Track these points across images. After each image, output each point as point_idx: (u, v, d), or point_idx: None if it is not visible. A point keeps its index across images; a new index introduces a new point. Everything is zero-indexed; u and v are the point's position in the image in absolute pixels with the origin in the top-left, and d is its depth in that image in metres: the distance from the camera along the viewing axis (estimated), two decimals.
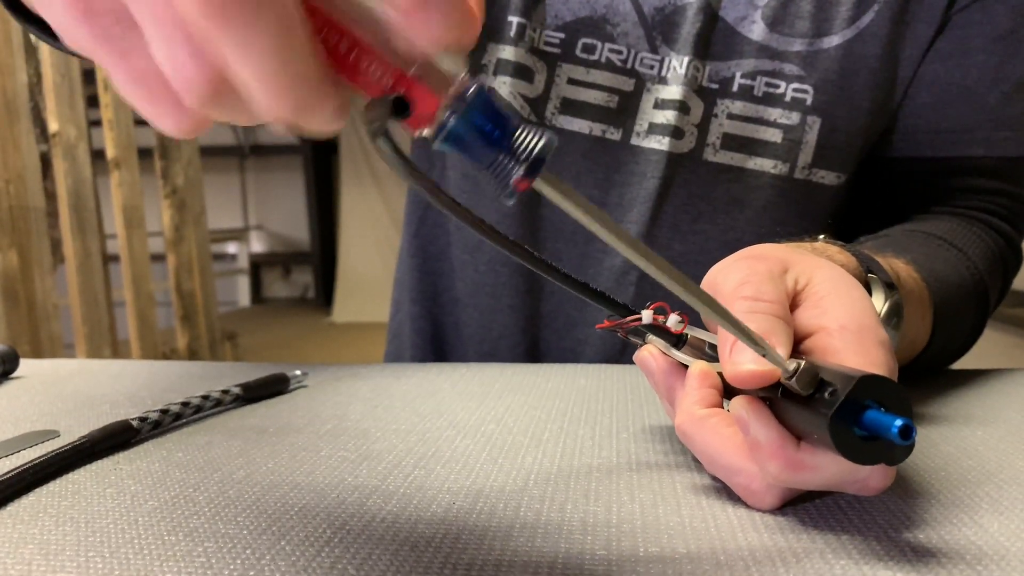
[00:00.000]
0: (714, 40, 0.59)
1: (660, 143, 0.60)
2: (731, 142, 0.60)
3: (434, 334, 0.70)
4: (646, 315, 0.34)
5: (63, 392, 0.51)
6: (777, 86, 0.59)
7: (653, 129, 0.60)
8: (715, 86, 0.59)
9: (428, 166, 0.66)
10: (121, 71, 0.21)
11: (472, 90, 0.21)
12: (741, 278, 0.32)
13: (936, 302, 0.48)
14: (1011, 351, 1.87)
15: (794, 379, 0.26)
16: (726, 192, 0.60)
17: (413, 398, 0.48)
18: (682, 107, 0.59)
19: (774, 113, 0.59)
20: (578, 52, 0.59)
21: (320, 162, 6.75)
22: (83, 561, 0.26)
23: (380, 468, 0.35)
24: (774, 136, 0.59)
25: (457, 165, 0.66)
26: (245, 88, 0.20)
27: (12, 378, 0.56)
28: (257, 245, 7.17)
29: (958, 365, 0.56)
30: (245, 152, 6.85)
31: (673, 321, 0.34)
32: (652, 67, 0.59)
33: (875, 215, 0.63)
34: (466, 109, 0.21)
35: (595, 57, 0.59)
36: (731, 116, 0.59)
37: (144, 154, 2.41)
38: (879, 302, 0.41)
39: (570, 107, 0.60)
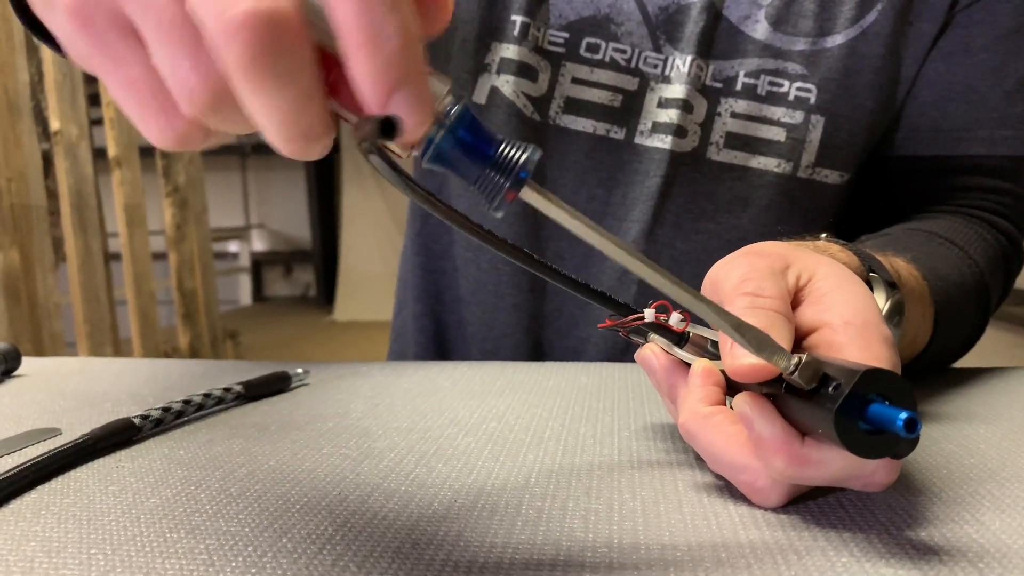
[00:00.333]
0: (717, 39, 0.59)
1: (663, 142, 0.60)
2: (734, 141, 0.59)
3: (437, 332, 0.70)
4: (648, 313, 0.34)
5: (65, 390, 0.51)
6: (780, 85, 0.59)
7: (657, 128, 0.60)
8: (719, 85, 0.59)
9: (430, 172, 0.67)
10: (114, 78, 0.21)
11: (455, 109, 0.22)
12: (742, 274, 0.32)
13: (937, 301, 0.48)
14: (1013, 349, 1.87)
15: (796, 374, 0.26)
16: (729, 191, 0.60)
17: (414, 396, 0.48)
18: (685, 106, 0.59)
19: (777, 112, 0.59)
20: (582, 51, 0.59)
21: (321, 161, 6.71)
22: (85, 558, 0.26)
23: (382, 466, 0.35)
24: (777, 135, 0.59)
25: None
26: (253, 118, 0.20)
27: (14, 376, 0.56)
28: (258, 244, 7.18)
29: (960, 363, 0.56)
30: (246, 151, 6.85)
31: (675, 319, 0.34)
32: (656, 66, 0.59)
33: (876, 214, 0.63)
34: (450, 127, 0.22)
35: (599, 56, 0.59)
36: (734, 115, 0.59)
37: (146, 152, 2.41)
38: (881, 301, 0.41)
39: (574, 106, 0.60)
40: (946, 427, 0.40)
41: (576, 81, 0.60)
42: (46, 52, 1.95)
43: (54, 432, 0.41)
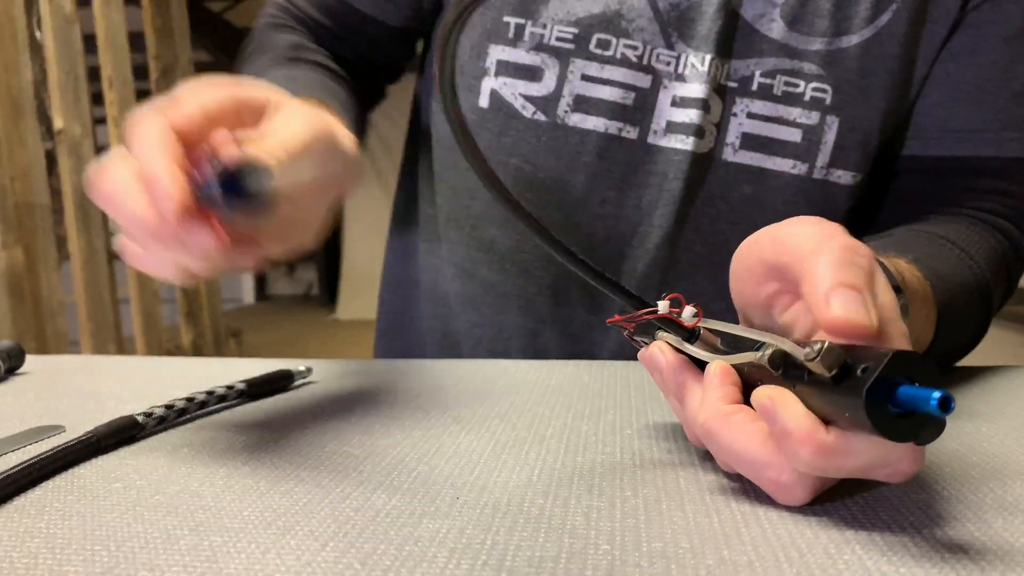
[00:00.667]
0: (734, 38, 0.58)
1: (683, 143, 0.59)
2: (750, 142, 0.59)
3: (445, 333, 0.70)
4: (662, 306, 0.34)
5: (68, 388, 0.51)
6: (796, 85, 0.58)
7: (672, 128, 0.59)
8: (734, 84, 0.59)
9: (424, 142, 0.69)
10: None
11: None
12: (829, 230, 0.31)
13: (939, 302, 0.48)
14: (1016, 348, 1.87)
15: (818, 359, 0.26)
16: (744, 193, 0.60)
17: (417, 394, 0.48)
18: (704, 106, 0.58)
19: (793, 112, 0.58)
20: (592, 48, 0.59)
21: None
22: (89, 555, 0.26)
23: (384, 463, 0.35)
24: (793, 136, 0.59)
25: (443, 141, 0.67)
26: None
27: (18, 374, 0.57)
28: None
29: (962, 362, 0.56)
30: None
31: (688, 314, 0.34)
32: (668, 63, 0.59)
33: (881, 213, 0.63)
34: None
35: (610, 53, 0.59)
36: (751, 115, 0.59)
37: None
38: None
39: (584, 104, 0.59)
40: (949, 426, 0.40)
41: (586, 79, 0.59)
42: (49, 51, 1.95)
43: (58, 429, 0.42)
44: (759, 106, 0.59)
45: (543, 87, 0.60)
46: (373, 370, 0.56)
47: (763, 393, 0.28)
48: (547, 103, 0.60)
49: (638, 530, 0.28)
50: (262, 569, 0.25)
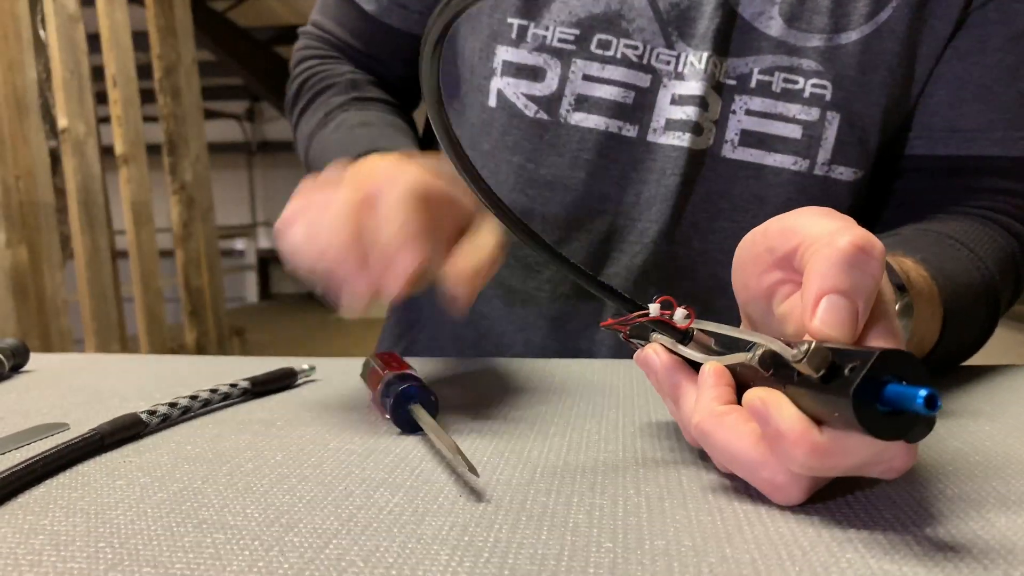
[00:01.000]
0: (732, 36, 0.58)
1: (680, 139, 0.59)
2: (749, 138, 0.59)
3: (451, 332, 0.70)
4: (653, 308, 0.34)
5: (73, 386, 0.52)
6: (795, 82, 0.58)
7: (670, 125, 0.59)
8: (733, 82, 0.59)
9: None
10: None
11: None
12: (841, 222, 0.31)
13: (946, 302, 0.48)
14: (1019, 348, 1.86)
15: (805, 360, 0.26)
16: (745, 189, 0.60)
17: None
18: (702, 103, 0.58)
19: (793, 109, 0.58)
20: (593, 48, 0.59)
21: None
22: (93, 552, 0.27)
23: (387, 461, 0.35)
24: (793, 132, 0.59)
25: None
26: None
27: (22, 372, 0.57)
28: (265, 241, 7.19)
29: (966, 361, 0.56)
30: (253, 148, 6.86)
31: (680, 316, 0.34)
32: (668, 62, 0.59)
33: (888, 213, 0.63)
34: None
35: (610, 53, 0.59)
36: (749, 112, 0.59)
37: (152, 150, 2.42)
38: None
39: (585, 103, 0.60)
40: (951, 424, 0.40)
41: (587, 78, 0.59)
42: (54, 50, 1.96)
43: (62, 427, 0.42)
44: (758, 103, 0.59)
45: (545, 87, 0.60)
46: None
47: (754, 395, 0.28)
48: (549, 103, 0.60)
49: (640, 528, 0.28)
50: (265, 566, 0.25)
